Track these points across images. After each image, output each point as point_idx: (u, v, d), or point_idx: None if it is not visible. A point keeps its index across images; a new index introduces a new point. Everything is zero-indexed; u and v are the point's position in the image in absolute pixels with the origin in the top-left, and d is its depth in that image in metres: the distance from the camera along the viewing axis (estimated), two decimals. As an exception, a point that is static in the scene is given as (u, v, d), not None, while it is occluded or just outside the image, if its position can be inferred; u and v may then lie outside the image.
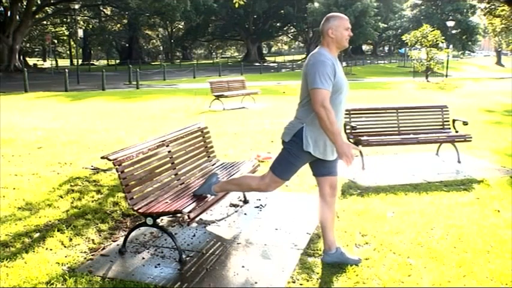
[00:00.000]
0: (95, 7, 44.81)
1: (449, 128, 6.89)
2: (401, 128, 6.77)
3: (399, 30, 58.00)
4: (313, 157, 3.22)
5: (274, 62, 61.96)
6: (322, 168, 3.32)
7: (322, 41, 3.18)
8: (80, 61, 51.77)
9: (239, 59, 66.60)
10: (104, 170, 6.03)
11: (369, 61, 55.60)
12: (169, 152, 4.15)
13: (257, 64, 47.08)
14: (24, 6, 34.82)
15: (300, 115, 3.23)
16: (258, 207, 4.72)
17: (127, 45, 58.56)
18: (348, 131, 6.33)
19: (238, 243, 3.81)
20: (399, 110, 6.86)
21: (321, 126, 3.04)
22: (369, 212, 4.45)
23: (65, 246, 3.77)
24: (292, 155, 3.22)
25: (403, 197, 4.97)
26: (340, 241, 3.66)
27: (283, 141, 3.29)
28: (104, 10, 49.23)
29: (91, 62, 58.45)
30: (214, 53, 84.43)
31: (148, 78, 28.74)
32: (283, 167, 3.27)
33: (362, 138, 6.27)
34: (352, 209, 4.53)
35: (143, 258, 3.56)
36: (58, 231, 4.04)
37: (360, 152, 6.35)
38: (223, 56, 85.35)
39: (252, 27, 60.16)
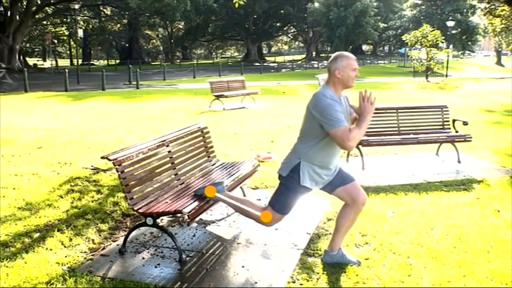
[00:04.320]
0: (95, 7, 44.80)
1: (449, 128, 6.89)
2: (401, 128, 6.77)
3: (399, 30, 58.00)
4: (311, 189, 3.28)
5: (274, 62, 61.93)
6: (328, 186, 3.36)
7: (328, 79, 3.18)
8: (80, 61, 51.75)
9: (239, 59, 66.60)
10: (104, 170, 6.03)
11: (368, 61, 55.57)
12: (169, 152, 4.16)
13: (257, 64, 47.04)
14: (24, 6, 34.81)
15: (298, 150, 3.24)
16: (258, 207, 4.72)
17: (127, 45, 58.54)
18: (348, 131, 6.31)
19: (238, 243, 3.81)
20: (399, 110, 6.86)
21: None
22: (369, 212, 4.45)
23: (65, 246, 3.77)
24: (290, 190, 3.25)
25: (403, 197, 4.97)
26: (340, 241, 3.66)
27: (280, 176, 3.31)
28: (104, 10, 49.21)
29: (91, 62, 58.42)
30: (214, 53, 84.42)
31: (148, 78, 28.73)
32: (282, 203, 3.29)
33: (362, 138, 6.26)
34: (352, 209, 4.53)
35: (143, 258, 3.56)
36: (58, 231, 4.04)
37: (360, 152, 6.35)
38: (223, 56, 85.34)
39: (252, 27, 60.14)
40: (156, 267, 3.41)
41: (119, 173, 3.48)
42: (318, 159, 3.18)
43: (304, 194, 3.30)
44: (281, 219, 3.34)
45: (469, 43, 52.70)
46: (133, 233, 3.87)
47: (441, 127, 6.88)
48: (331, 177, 3.31)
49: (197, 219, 3.93)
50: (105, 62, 65.59)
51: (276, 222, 3.35)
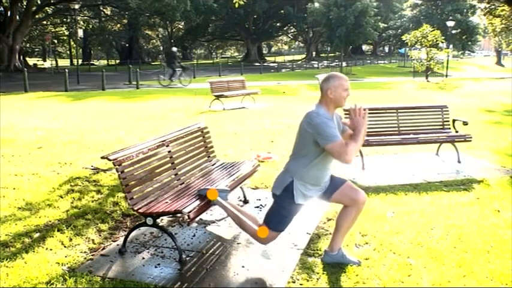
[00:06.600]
0: (95, 7, 44.75)
1: (449, 128, 6.89)
2: (401, 128, 6.77)
3: (399, 30, 57.92)
4: (304, 205, 3.32)
5: (274, 62, 61.87)
6: (324, 195, 3.39)
7: (321, 98, 3.25)
8: (80, 61, 51.71)
9: (239, 59, 66.53)
10: (104, 170, 6.03)
11: (368, 61, 55.55)
12: (169, 152, 4.16)
13: (257, 64, 46.99)
14: (24, 6, 34.80)
15: (291, 168, 3.28)
16: (258, 207, 4.73)
17: (127, 45, 58.49)
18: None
19: (238, 243, 3.81)
20: (399, 110, 6.86)
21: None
22: (369, 212, 4.45)
23: (65, 246, 3.77)
24: (284, 209, 3.28)
25: (403, 197, 4.97)
26: (340, 241, 3.66)
27: (274, 194, 3.34)
28: (104, 10, 49.17)
29: (91, 62, 58.38)
30: (214, 53, 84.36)
31: (148, 78, 28.71)
32: (277, 221, 3.32)
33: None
34: (352, 209, 4.52)
35: (143, 258, 3.56)
36: (58, 231, 4.04)
37: (360, 151, 6.35)
38: (223, 56, 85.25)
39: (252, 27, 60.09)
40: (156, 267, 3.41)
41: (119, 173, 3.48)
42: (310, 177, 3.23)
43: (299, 210, 3.34)
44: (276, 237, 3.37)
45: (469, 43, 52.63)
46: (133, 233, 3.87)
47: (441, 127, 6.88)
48: (324, 189, 3.36)
49: (197, 219, 3.93)
50: (105, 62, 65.51)
51: (272, 240, 3.38)
